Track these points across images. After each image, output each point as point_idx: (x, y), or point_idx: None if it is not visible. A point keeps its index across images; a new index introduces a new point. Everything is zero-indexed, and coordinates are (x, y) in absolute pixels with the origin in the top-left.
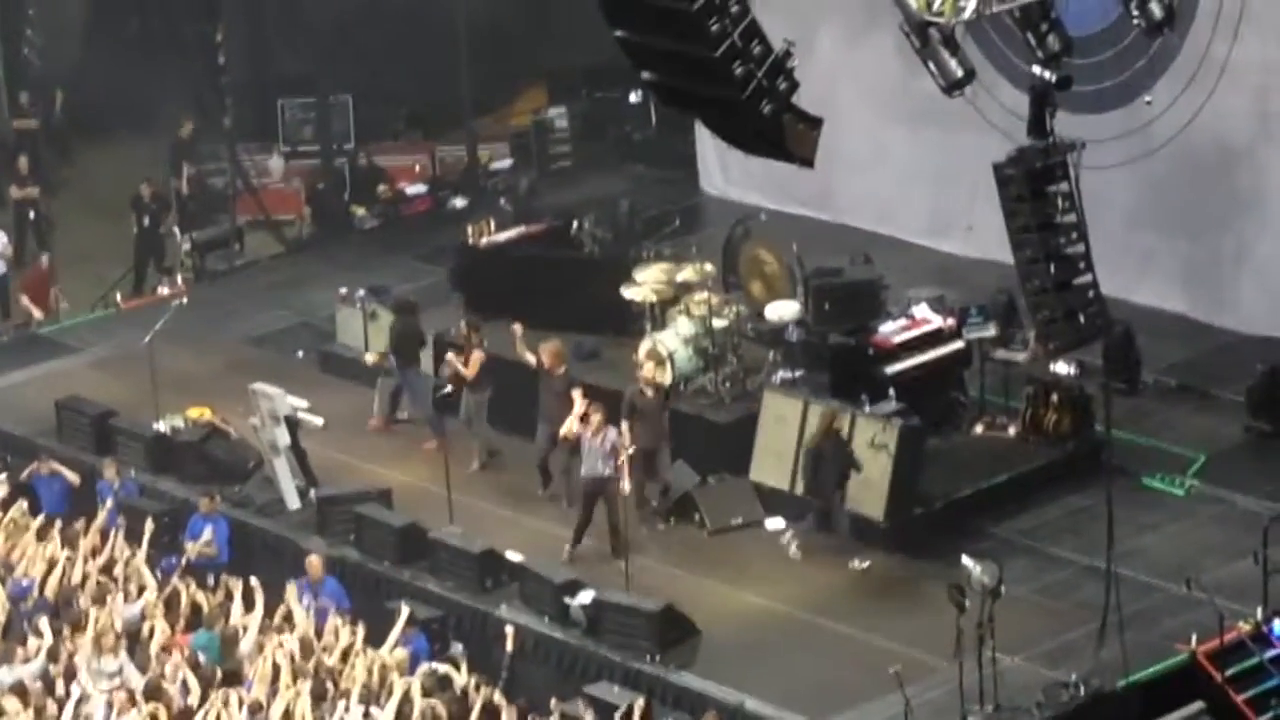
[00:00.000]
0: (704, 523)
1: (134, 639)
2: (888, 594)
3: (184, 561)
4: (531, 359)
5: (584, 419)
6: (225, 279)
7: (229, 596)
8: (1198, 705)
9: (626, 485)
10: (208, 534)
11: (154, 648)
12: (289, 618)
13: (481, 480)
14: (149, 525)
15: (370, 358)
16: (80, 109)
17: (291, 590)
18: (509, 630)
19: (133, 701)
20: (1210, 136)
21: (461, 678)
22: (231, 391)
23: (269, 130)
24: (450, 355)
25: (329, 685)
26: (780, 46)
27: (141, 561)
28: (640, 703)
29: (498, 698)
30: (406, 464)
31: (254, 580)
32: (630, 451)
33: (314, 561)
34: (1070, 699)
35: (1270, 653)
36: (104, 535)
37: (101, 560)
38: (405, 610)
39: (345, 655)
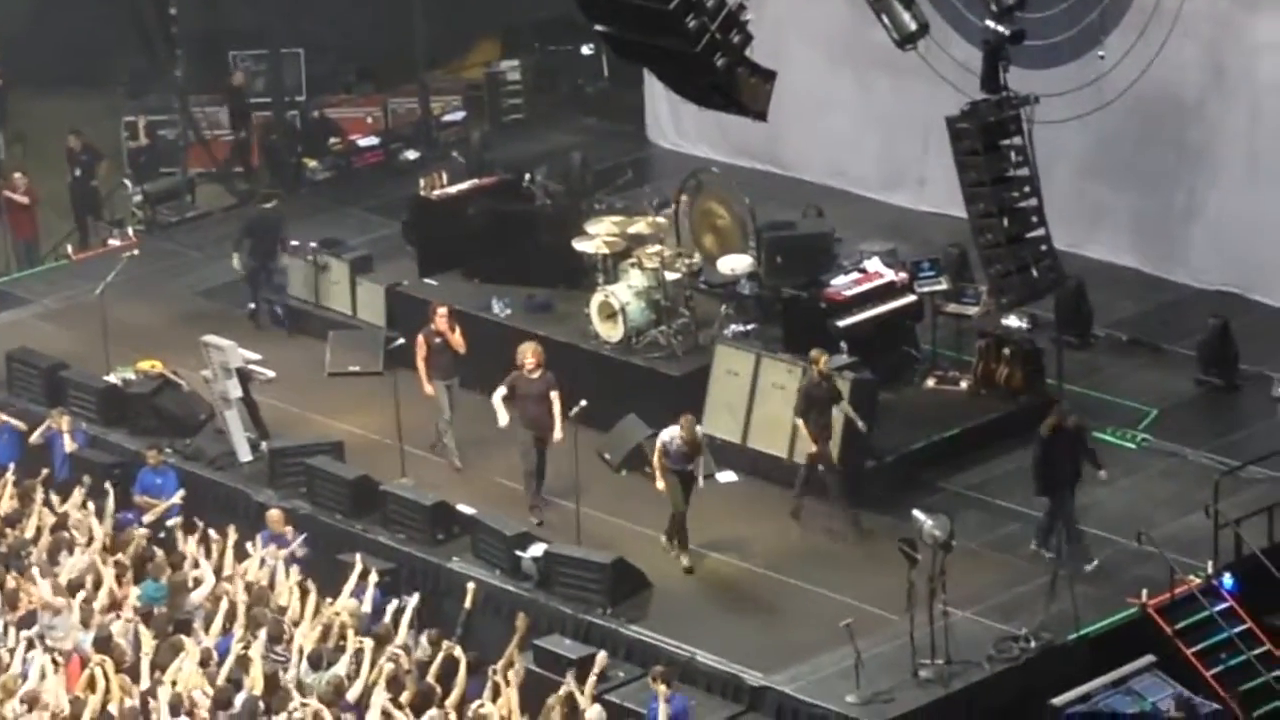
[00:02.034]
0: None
1: (77, 590)
2: (839, 548)
3: (144, 518)
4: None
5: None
6: (177, 230)
7: (181, 547)
8: (1148, 658)
9: (702, 480)
10: (179, 496)
11: (100, 601)
12: (241, 568)
13: (433, 432)
14: (88, 479)
15: None
16: (32, 61)
17: (255, 543)
18: (469, 587)
19: (81, 662)
20: (1162, 90)
21: (418, 634)
22: (183, 343)
23: (221, 82)
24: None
25: (284, 632)
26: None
27: (90, 514)
28: (602, 656)
29: (457, 652)
30: (358, 416)
31: (202, 526)
32: (813, 450)
33: (274, 515)
34: (1021, 652)
35: (1220, 606)
36: (53, 487)
37: (53, 518)
38: (370, 570)
39: (300, 607)
